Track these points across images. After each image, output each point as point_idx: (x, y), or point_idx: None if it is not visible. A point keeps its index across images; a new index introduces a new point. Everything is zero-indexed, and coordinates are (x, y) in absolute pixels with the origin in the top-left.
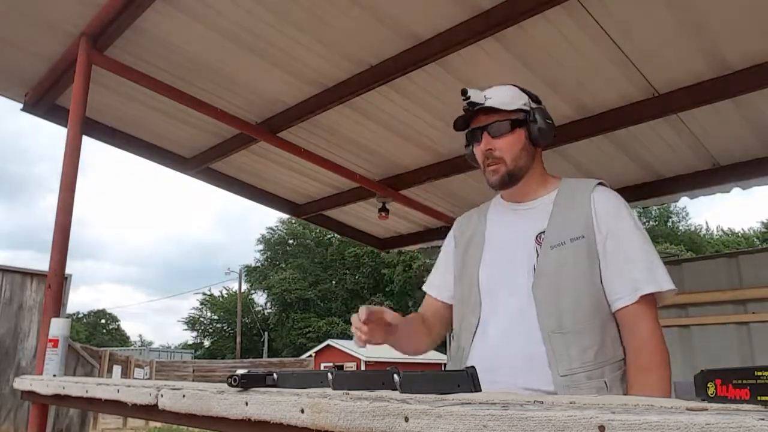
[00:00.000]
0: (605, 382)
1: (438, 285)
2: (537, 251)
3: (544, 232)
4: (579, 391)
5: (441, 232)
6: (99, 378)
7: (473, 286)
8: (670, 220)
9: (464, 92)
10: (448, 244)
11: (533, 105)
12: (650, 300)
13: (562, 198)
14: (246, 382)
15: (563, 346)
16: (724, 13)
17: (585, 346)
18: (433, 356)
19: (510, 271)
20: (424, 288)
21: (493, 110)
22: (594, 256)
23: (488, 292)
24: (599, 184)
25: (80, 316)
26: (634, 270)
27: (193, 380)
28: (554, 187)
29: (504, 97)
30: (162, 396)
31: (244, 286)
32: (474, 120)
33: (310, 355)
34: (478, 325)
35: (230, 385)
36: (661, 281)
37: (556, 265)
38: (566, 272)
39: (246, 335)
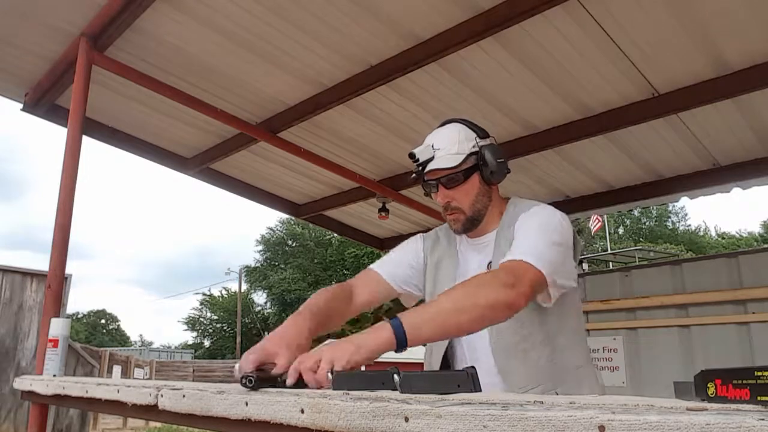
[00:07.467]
0: (556, 393)
1: (394, 273)
2: None
3: (491, 261)
4: None
5: None
6: (99, 378)
7: None
8: (669, 220)
9: (412, 155)
10: (417, 246)
11: (481, 142)
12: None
13: (502, 227)
14: (259, 384)
15: (513, 365)
16: (724, 13)
17: (532, 362)
18: None
19: None
20: (376, 268)
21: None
22: None
23: None
24: (534, 206)
25: (80, 316)
26: (516, 245)
27: (193, 380)
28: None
29: (452, 145)
30: (162, 396)
31: (244, 286)
32: (428, 173)
33: None
34: (447, 347)
35: (244, 385)
36: (529, 253)
37: None
38: None
39: (246, 335)
